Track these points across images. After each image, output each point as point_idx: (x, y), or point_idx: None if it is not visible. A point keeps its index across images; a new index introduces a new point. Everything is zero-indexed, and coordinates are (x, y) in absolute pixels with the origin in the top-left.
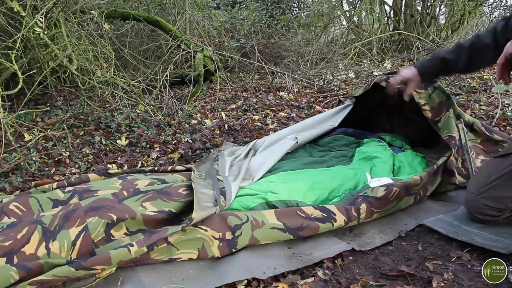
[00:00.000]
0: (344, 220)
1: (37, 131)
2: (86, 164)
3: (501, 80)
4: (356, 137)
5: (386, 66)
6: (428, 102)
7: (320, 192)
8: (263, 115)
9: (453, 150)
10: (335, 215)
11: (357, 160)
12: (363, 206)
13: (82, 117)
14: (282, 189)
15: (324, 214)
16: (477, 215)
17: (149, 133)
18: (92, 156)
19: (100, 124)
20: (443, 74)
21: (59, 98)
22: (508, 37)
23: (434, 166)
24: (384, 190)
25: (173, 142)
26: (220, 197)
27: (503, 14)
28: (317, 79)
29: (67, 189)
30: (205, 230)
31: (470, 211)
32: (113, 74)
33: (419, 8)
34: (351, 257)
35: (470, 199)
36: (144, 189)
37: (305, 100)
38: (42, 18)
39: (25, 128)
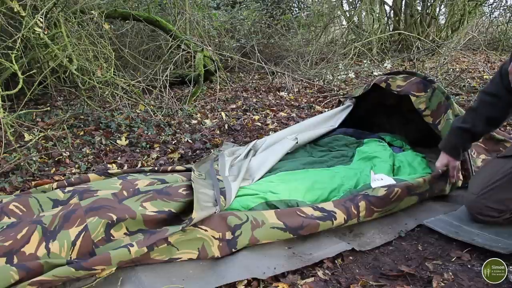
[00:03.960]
0: (344, 218)
1: (37, 131)
2: (86, 164)
3: None
4: (356, 137)
5: (386, 66)
6: (429, 106)
7: (320, 192)
8: (263, 115)
9: None
10: (335, 213)
11: (357, 160)
12: (362, 204)
13: (82, 117)
14: (282, 189)
15: (324, 214)
16: (478, 215)
17: (149, 133)
18: (92, 156)
19: (100, 124)
20: (470, 142)
21: (59, 98)
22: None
23: (440, 170)
24: (385, 190)
25: (173, 142)
26: (220, 197)
27: (503, 14)
28: (317, 79)
29: (67, 189)
30: (205, 230)
31: (471, 212)
32: (113, 74)
33: (419, 8)
34: (351, 257)
35: (472, 200)
36: (144, 189)
37: (305, 100)
38: (42, 18)
39: (25, 128)
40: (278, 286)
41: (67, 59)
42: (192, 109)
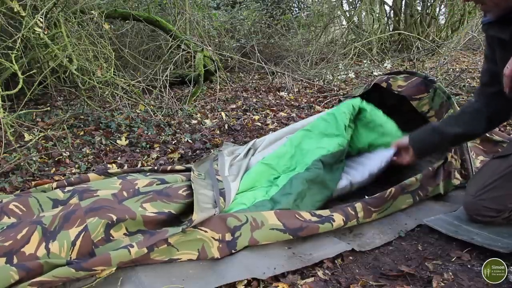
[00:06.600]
0: (343, 219)
1: (37, 131)
2: (86, 164)
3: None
4: None
5: (386, 66)
6: (432, 107)
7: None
8: (263, 115)
9: (447, 153)
10: (332, 216)
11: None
12: (359, 205)
13: (82, 117)
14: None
15: (321, 219)
16: (476, 216)
17: (149, 133)
18: (92, 156)
19: (100, 124)
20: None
21: (59, 98)
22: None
23: (429, 168)
24: (380, 191)
25: (173, 142)
26: (219, 198)
27: None
28: (317, 79)
29: (67, 189)
30: (205, 231)
31: (469, 213)
32: (113, 74)
33: (419, 8)
34: (351, 257)
35: (469, 201)
36: (144, 190)
37: (305, 100)
38: (42, 18)
39: (25, 128)
40: (278, 286)
41: (67, 59)
42: (192, 109)
